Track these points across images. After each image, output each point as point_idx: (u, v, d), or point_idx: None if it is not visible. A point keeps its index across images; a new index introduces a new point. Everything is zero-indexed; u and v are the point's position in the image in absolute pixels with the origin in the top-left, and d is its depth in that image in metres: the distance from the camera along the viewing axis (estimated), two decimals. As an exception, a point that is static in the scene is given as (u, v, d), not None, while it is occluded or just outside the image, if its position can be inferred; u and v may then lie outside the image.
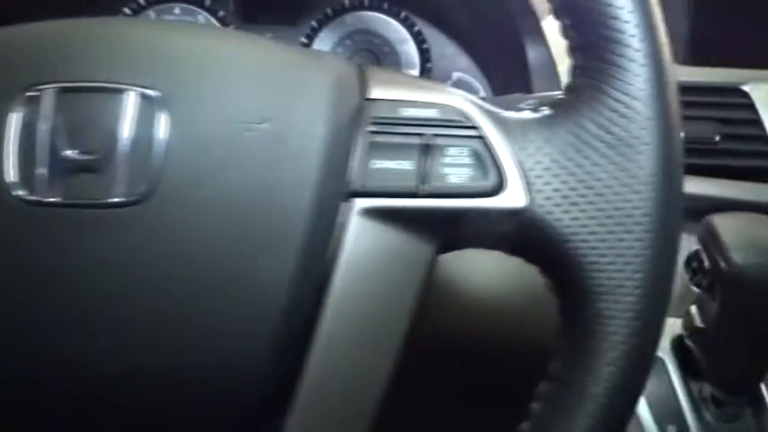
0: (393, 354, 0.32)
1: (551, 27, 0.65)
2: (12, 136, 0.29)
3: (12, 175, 0.29)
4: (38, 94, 0.29)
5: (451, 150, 0.31)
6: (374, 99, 0.32)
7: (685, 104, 0.63)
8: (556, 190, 0.31)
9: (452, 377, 0.52)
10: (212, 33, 0.33)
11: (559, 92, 0.35)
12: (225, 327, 0.30)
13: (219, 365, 0.31)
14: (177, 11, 0.74)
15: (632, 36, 0.30)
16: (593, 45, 0.31)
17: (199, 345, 0.31)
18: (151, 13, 0.74)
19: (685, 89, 0.61)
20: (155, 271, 0.30)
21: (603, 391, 0.30)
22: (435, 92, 0.33)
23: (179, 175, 0.30)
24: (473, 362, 0.50)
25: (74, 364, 0.30)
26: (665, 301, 0.31)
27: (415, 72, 0.74)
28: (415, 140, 0.32)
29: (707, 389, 0.53)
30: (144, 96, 0.30)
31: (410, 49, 0.74)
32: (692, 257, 0.49)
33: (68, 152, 0.29)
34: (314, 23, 0.74)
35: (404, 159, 0.31)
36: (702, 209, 0.52)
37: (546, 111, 0.33)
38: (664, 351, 0.54)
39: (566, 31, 0.33)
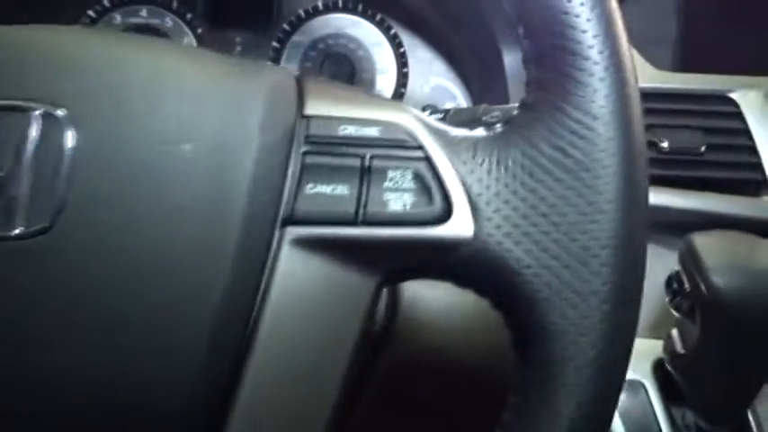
0: (332, 396, 0.29)
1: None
2: None
3: None
4: None
5: (393, 173, 0.29)
6: (311, 116, 0.29)
7: (670, 113, 0.59)
8: (506, 218, 0.28)
9: (419, 400, 0.49)
10: (132, 43, 0.30)
11: (515, 105, 0.32)
12: (142, 366, 0.28)
13: (136, 409, 0.28)
14: (144, 13, 0.71)
15: (590, 47, 0.27)
16: (548, 56, 0.28)
17: (114, 387, 0.28)
18: (117, 16, 0.71)
19: (670, 97, 0.58)
20: (61, 309, 0.27)
21: None
22: (379, 108, 0.30)
23: (87, 203, 0.27)
24: (439, 386, 0.47)
25: None
26: (627, 343, 0.28)
27: (392, 77, 0.71)
28: (355, 162, 0.29)
29: (689, 416, 0.50)
30: (47, 115, 0.27)
31: (386, 54, 0.71)
32: (673, 278, 0.46)
33: None
34: (286, 26, 0.71)
35: (341, 183, 0.28)
36: (687, 224, 0.49)
37: (499, 128, 0.30)
38: (644, 374, 0.51)
39: (520, 39, 0.30)
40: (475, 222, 0.28)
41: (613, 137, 0.27)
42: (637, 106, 0.28)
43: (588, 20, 0.27)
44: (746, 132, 0.57)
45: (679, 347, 0.47)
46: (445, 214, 0.28)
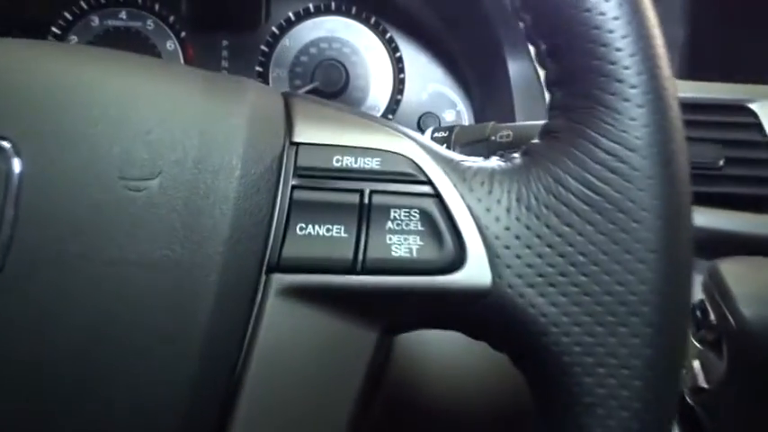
0: None
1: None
2: None
3: None
4: None
5: (397, 213, 0.25)
6: (301, 143, 0.25)
7: (686, 124, 0.55)
8: (529, 265, 0.24)
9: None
10: (93, 59, 0.26)
11: (540, 122, 0.28)
12: (115, 429, 0.24)
13: None
14: (123, 15, 0.67)
15: (626, 68, 0.23)
16: (576, 78, 0.24)
17: None
18: (95, 19, 0.67)
19: (685, 107, 0.54)
20: (19, 369, 0.23)
21: None
22: (379, 134, 0.26)
23: (37, 246, 0.23)
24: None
25: None
26: (671, 412, 0.24)
27: (388, 84, 0.67)
28: (352, 199, 0.25)
29: (711, 453, 0.46)
30: None
31: (381, 59, 0.67)
32: (697, 308, 0.42)
33: None
34: (275, 30, 0.67)
35: (337, 224, 0.25)
36: (706, 243, 0.46)
37: (517, 159, 0.26)
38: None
39: (541, 59, 0.26)
40: (492, 270, 0.24)
41: (654, 174, 0.23)
42: (681, 139, 0.24)
43: (624, 36, 0.23)
44: (767, 145, 0.53)
45: (701, 381, 0.43)
46: (458, 261, 0.24)
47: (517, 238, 0.24)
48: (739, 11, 0.74)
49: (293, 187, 0.25)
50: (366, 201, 0.25)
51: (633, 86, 0.23)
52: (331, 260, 0.24)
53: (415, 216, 0.24)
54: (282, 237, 0.24)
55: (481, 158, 0.27)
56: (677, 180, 0.23)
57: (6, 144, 0.23)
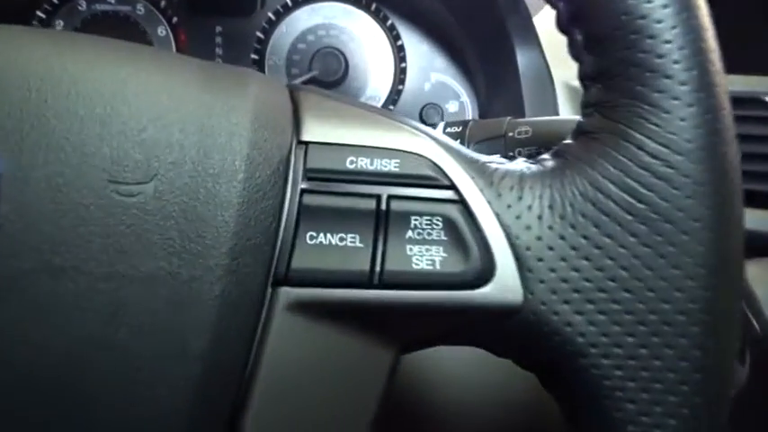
0: None
1: (545, 24, 0.56)
2: None
3: None
4: None
5: (418, 220, 0.22)
6: (310, 142, 0.23)
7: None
8: (564, 280, 0.22)
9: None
10: (79, 48, 0.23)
11: (561, 117, 0.25)
12: None
13: None
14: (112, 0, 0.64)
15: (675, 62, 0.21)
16: (617, 73, 0.22)
17: None
18: (82, 3, 0.63)
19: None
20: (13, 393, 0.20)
21: None
22: (395, 132, 0.24)
23: (15, 262, 0.20)
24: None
25: None
26: None
27: (389, 73, 0.64)
28: (368, 205, 0.22)
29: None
30: None
31: (382, 47, 0.64)
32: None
33: None
34: (271, 15, 0.64)
35: (352, 232, 0.22)
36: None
37: (549, 161, 0.24)
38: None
39: (577, 50, 0.23)
40: (523, 285, 0.22)
41: (705, 181, 0.21)
42: (734, 142, 0.22)
43: (673, 27, 0.21)
44: (785, 140, 0.51)
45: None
46: (485, 274, 0.22)
47: (550, 249, 0.22)
48: (753, 1, 0.72)
49: (302, 191, 0.22)
50: (383, 207, 0.22)
51: (683, 83, 0.21)
52: (345, 273, 0.22)
53: (437, 224, 0.22)
54: (291, 246, 0.22)
55: (507, 160, 0.24)
56: (730, 188, 0.21)
57: None
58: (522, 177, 0.23)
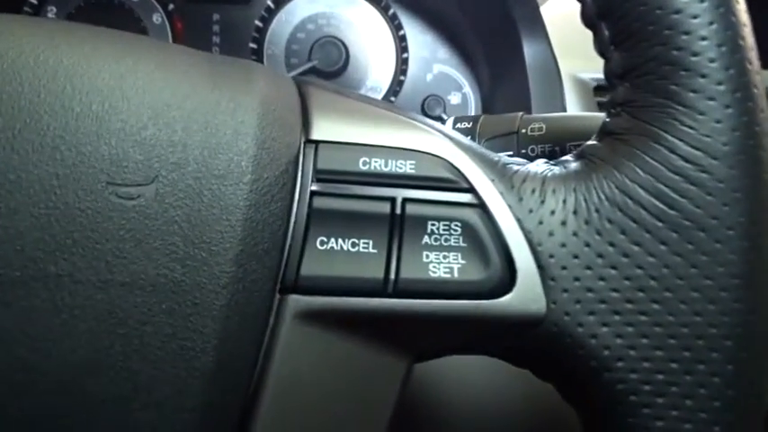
0: None
1: (551, 14, 0.55)
2: None
3: None
4: None
5: (435, 225, 0.21)
6: (320, 141, 0.22)
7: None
8: (590, 290, 0.20)
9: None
10: (74, 39, 0.21)
11: (577, 113, 0.24)
12: None
13: None
14: (105, -15, 0.62)
15: (712, 61, 0.20)
16: (648, 71, 0.21)
17: None
18: (74, -12, 0.62)
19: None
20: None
21: None
22: (410, 131, 0.22)
23: (7, 268, 0.19)
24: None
25: None
26: None
27: (390, 64, 0.63)
28: (382, 208, 0.21)
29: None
30: None
31: (383, 37, 0.63)
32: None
33: None
34: (270, 3, 0.62)
35: (365, 237, 0.21)
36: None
37: (572, 163, 0.22)
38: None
39: (603, 46, 0.22)
40: (546, 295, 0.21)
41: (741, 188, 0.20)
42: None
43: (710, 23, 0.20)
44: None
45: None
46: (506, 283, 0.21)
47: (575, 257, 0.21)
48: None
49: (312, 193, 0.21)
50: (398, 211, 0.21)
51: (719, 83, 0.20)
52: (358, 280, 0.21)
53: (456, 230, 0.21)
54: (300, 252, 0.21)
55: (527, 161, 0.23)
56: (767, 195, 0.20)
57: None
58: (544, 180, 0.22)
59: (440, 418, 0.36)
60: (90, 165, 0.19)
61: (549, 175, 0.22)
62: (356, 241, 0.21)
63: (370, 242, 0.21)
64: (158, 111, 0.20)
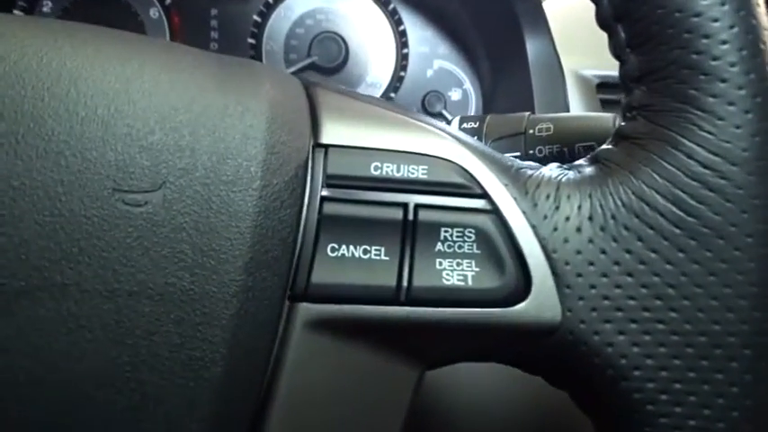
0: None
1: (553, 9, 0.54)
2: None
3: None
4: None
5: (448, 232, 0.21)
6: (330, 145, 0.21)
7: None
8: (606, 298, 0.20)
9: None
10: (77, 40, 0.21)
11: (585, 113, 0.24)
12: None
13: None
14: (100, -20, 0.61)
15: (732, 65, 0.19)
16: (666, 75, 0.20)
17: None
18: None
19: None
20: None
21: None
22: (422, 134, 0.22)
23: (12, 278, 0.18)
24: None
25: None
26: None
27: (390, 60, 0.62)
28: (395, 215, 0.21)
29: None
30: None
31: (384, 32, 0.62)
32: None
33: None
34: (268, -2, 0.61)
35: (377, 244, 0.21)
36: None
37: (587, 168, 0.22)
38: None
39: (619, 49, 0.22)
40: (562, 303, 0.20)
41: (761, 194, 0.19)
42: None
43: (731, 26, 0.19)
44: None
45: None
46: (521, 291, 0.20)
47: (591, 264, 0.20)
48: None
49: (323, 199, 0.21)
50: (411, 217, 0.21)
51: (740, 87, 0.19)
52: (369, 288, 0.20)
53: (469, 236, 0.21)
54: (311, 259, 0.20)
55: (540, 165, 0.23)
56: None
57: None
58: (558, 185, 0.21)
59: (451, 424, 0.36)
60: (96, 171, 0.19)
61: (564, 180, 0.21)
62: (368, 248, 0.20)
63: (382, 249, 0.20)
64: (165, 115, 0.20)
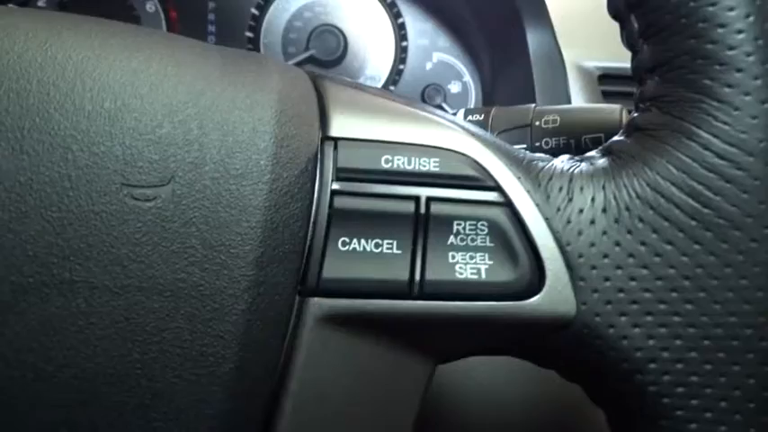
0: None
1: (554, 0, 0.54)
2: None
3: None
4: None
5: (461, 225, 0.20)
6: (340, 138, 0.21)
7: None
8: (621, 290, 0.20)
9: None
10: (83, 33, 0.21)
11: (591, 105, 0.24)
12: None
13: None
14: (95, -27, 0.60)
15: (749, 55, 0.19)
16: (681, 65, 0.20)
17: None
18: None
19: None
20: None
21: None
22: (432, 127, 0.22)
23: (20, 275, 0.18)
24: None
25: None
26: None
27: (389, 52, 0.62)
28: (407, 208, 0.21)
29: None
30: None
31: (383, 24, 0.62)
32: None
33: None
34: (266, -9, 0.61)
35: (389, 238, 0.20)
36: None
37: (599, 160, 0.22)
38: None
39: (632, 39, 0.21)
40: (576, 296, 0.20)
41: None
42: None
43: (747, 15, 0.19)
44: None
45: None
46: (535, 284, 0.20)
47: (605, 256, 0.20)
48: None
49: (333, 193, 0.20)
50: (423, 210, 0.20)
51: (756, 77, 0.19)
52: (382, 282, 0.20)
53: (482, 229, 0.20)
54: (322, 254, 0.20)
55: (552, 157, 0.22)
56: None
57: None
58: (571, 177, 0.21)
59: (462, 418, 0.36)
60: (103, 165, 0.19)
61: (576, 171, 0.21)
62: (380, 242, 0.20)
63: (394, 243, 0.20)
64: (173, 108, 0.20)
